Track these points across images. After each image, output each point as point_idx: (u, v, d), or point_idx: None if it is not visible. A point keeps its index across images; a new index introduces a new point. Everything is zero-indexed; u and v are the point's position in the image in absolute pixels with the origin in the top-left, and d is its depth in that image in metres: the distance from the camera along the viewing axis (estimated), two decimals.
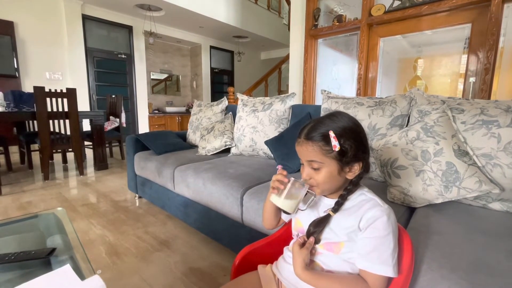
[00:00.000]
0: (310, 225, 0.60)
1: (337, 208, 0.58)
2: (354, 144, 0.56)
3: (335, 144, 0.54)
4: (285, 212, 0.65)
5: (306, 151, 0.57)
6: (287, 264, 0.64)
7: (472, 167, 0.88)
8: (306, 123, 0.61)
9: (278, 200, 0.61)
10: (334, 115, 0.59)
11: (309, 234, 0.59)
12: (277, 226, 0.75)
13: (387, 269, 0.52)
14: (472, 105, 0.97)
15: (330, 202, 0.62)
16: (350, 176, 0.58)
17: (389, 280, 0.54)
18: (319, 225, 0.58)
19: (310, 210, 0.65)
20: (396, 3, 2.45)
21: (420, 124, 1.01)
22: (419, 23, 2.42)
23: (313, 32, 3.02)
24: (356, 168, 0.57)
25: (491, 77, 2.04)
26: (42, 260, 0.68)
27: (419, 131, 0.99)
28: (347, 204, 0.59)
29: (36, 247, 0.76)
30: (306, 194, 0.60)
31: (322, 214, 0.61)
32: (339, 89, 3.06)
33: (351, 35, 2.87)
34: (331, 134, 0.54)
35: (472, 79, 2.21)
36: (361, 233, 0.55)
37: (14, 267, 0.66)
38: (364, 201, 0.58)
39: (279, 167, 0.66)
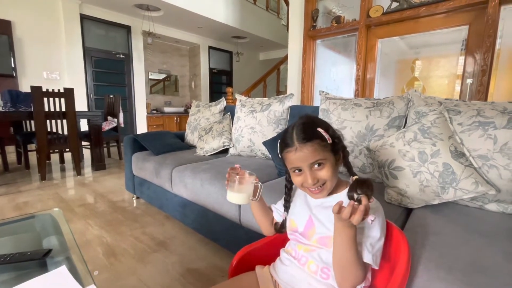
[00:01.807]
0: (353, 190, 0.52)
1: (354, 172, 0.61)
2: (335, 133, 0.61)
3: (328, 137, 0.57)
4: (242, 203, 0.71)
5: (308, 153, 0.56)
6: (284, 266, 0.65)
7: (469, 168, 0.88)
8: (285, 134, 0.61)
9: (231, 196, 0.67)
10: (304, 117, 0.62)
11: (352, 198, 0.53)
12: (272, 227, 0.76)
13: (367, 255, 0.53)
14: (469, 106, 0.98)
15: (322, 200, 0.63)
16: (339, 163, 0.62)
17: (383, 272, 0.55)
18: (364, 185, 0.51)
19: (301, 210, 0.66)
20: (394, 5, 2.47)
21: (417, 125, 1.02)
22: (416, 24, 2.43)
23: (311, 33, 3.02)
24: (341, 155, 0.61)
25: (488, 78, 2.05)
26: (38, 261, 0.68)
27: (416, 132, 1.00)
28: (337, 198, 0.60)
29: (32, 248, 0.76)
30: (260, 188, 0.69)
31: (314, 212, 0.62)
32: (337, 90, 3.06)
33: (349, 36, 2.88)
34: (320, 130, 0.57)
35: (469, 81, 2.23)
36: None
37: (9, 268, 0.65)
38: None
39: (237, 166, 0.69)
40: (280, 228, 0.71)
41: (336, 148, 0.59)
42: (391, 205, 0.97)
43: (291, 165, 0.60)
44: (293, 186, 0.71)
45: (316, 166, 0.57)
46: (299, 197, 0.70)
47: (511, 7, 2.00)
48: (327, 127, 0.60)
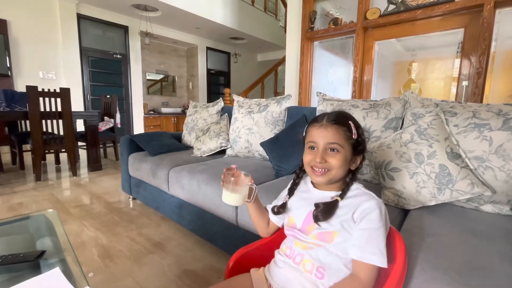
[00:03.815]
0: (317, 212, 0.59)
1: (343, 195, 0.61)
2: (362, 135, 0.63)
3: (354, 132, 0.60)
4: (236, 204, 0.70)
5: (330, 133, 0.59)
6: (278, 268, 0.64)
7: (465, 169, 0.89)
8: (319, 114, 0.65)
9: (226, 197, 0.67)
10: (345, 112, 0.65)
11: (317, 220, 0.59)
12: (268, 228, 0.76)
13: (382, 259, 0.54)
14: (465, 108, 0.98)
15: (324, 194, 0.64)
16: (353, 167, 0.63)
17: (379, 273, 0.56)
18: (329, 211, 0.58)
19: (300, 206, 0.66)
20: (391, 7, 2.48)
21: (414, 126, 1.02)
22: (413, 27, 2.45)
23: (309, 35, 3.04)
24: (358, 161, 0.63)
25: (483, 81, 2.07)
26: (31, 263, 0.67)
27: (413, 134, 1.00)
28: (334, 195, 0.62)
29: (25, 249, 0.75)
30: (255, 190, 0.70)
31: (312, 207, 0.62)
32: (334, 91, 3.07)
33: (347, 38, 2.89)
34: (351, 123, 0.60)
35: (464, 83, 2.25)
36: (356, 225, 0.57)
37: (2, 270, 0.64)
38: (359, 193, 0.61)
39: (233, 166, 0.70)
40: (279, 209, 0.70)
41: (357, 147, 0.61)
42: (388, 206, 0.97)
43: (310, 139, 0.63)
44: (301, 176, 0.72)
45: (329, 150, 0.60)
46: (299, 194, 0.70)
47: (506, 11, 2.03)
48: (358, 126, 0.63)
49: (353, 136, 0.59)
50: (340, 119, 0.61)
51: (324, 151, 0.60)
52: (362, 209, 0.57)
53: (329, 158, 0.59)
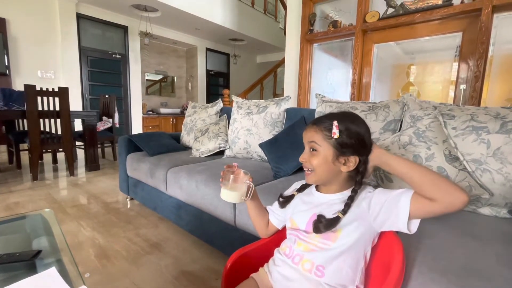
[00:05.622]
0: (320, 225, 0.58)
1: (346, 209, 0.59)
2: (354, 140, 0.59)
3: (335, 131, 0.58)
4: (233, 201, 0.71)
5: (310, 133, 0.62)
6: (276, 267, 0.64)
7: (463, 172, 0.89)
8: (319, 116, 0.66)
9: (224, 194, 0.68)
10: (344, 111, 0.64)
11: (318, 231, 0.59)
12: (267, 229, 0.76)
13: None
14: (463, 111, 0.99)
15: (326, 197, 0.64)
16: (344, 169, 0.60)
17: (378, 274, 0.56)
18: (331, 225, 0.58)
19: (303, 209, 0.66)
20: (390, 11, 2.50)
21: (412, 129, 1.03)
22: (412, 30, 2.46)
23: (308, 37, 3.05)
24: (352, 161, 0.60)
25: (481, 84, 2.08)
26: (27, 262, 0.66)
27: (411, 136, 1.01)
28: (340, 196, 0.63)
29: (21, 249, 0.74)
30: (253, 189, 0.70)
31: (320, 210, 0.62)
32: (333, 93, 3.08)
33: (346, 40, 2.91)
34: (335, 123, 0.59)
35: (462, 86, 2.26)
36: (370, 212, 0.58)
37: None
38: (358, 202, 0.61)
39: (234, 164, 0.71)
40: (285, 198, 0.71)
41: (341, 147, 0.59)
42: None
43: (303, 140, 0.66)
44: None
45: (312, 150, 0.62)
46: (301, 197, 0.70)
47: (503, 15, 2.04)
48: (347, 127, 0.59)
49: (333, 135, 0.58)
50: (321, 122, 0.61)
51: (307, 150, 0.62)
52: (364, 197, 0.59)
53: (310, 157, 0.61)
